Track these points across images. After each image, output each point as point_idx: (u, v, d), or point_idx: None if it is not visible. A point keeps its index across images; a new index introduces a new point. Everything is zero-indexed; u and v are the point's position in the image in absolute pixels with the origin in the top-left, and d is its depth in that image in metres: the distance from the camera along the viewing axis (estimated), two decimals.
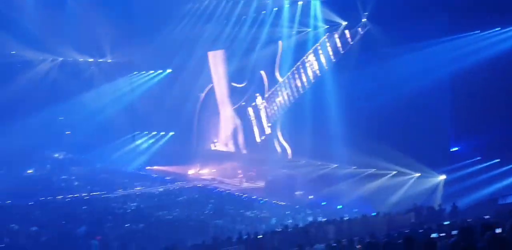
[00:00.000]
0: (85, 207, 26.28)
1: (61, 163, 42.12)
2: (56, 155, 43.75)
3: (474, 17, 22.64)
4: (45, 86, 42.07)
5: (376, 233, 11.89)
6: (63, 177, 37.45)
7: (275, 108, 35.67)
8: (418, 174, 25.47)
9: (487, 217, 12.11)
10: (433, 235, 8.50)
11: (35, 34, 37.14)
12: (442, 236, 8.04)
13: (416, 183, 25.09)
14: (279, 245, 15.38)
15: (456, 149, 24.76)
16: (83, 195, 29.99)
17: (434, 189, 23.99)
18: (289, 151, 34.41)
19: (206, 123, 41.85)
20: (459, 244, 5.71)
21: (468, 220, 11.37)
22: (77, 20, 38.24)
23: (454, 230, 9.49)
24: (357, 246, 10.01)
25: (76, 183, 34.60)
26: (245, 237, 16.08)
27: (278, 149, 35.10)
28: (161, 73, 43.80)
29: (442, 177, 24.26)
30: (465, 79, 22.86)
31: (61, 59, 43.72)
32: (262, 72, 36.42)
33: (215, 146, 41.31)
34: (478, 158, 23.01)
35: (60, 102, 41.06)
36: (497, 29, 22.67)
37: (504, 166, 21.83)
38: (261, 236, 16.05)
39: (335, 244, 10.55)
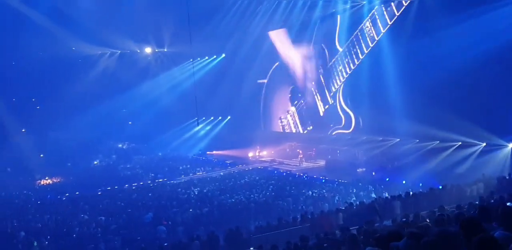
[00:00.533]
0: (151, 194, 27.00)
1: (125, 153, 43.50)
2: (120, 145, 45.19)
3: None
4: (105, 79, 43.37)
5: (444, 206, 11.38)
6: (128, 166, 38.61)
7: (337, 78, 35.08)
8: (483, 144, 24.36)
9: None
10: (508, 204, 7.96)
11: (93, 28, 38.08)
12: None
13: (483, 153, 24.01)
14: (345, 223, 15.12)
15: None
16: (148, 182, 30.71)
17: (502, 158, 22.87)
18: (353, 118, 33.74)
19: (273, 104, 41.81)
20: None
21: None
22: (131, 12, 38.76)
23: None
24: (427, 220, 9.53)
25: (140, 171, 35.52)
26: (309, 216, 15.94)
27: (342, 117, 34.64)
28: (215, 59, 43.92)
29: (510, 145, 23.09)
30: None
31: (119, 52, 44.80)
32: (323, 45, 35.86)
33: (281, 124, 41.28)
34: None
35: (120, 94, 42.25)
36: None
37: None
38: (325, 214, 15.84)
39: (404, 219, 10.04)
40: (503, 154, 23.00)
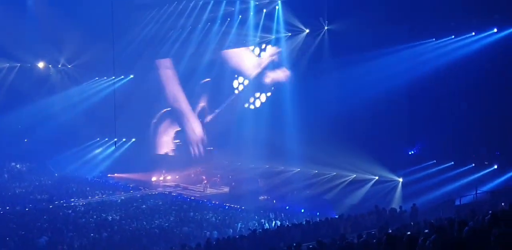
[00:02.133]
0: (45, 216, 25.73)
1: (18, 172, 41.05)
2: (13, 164, 42.52)
3: (430, 25, 23.80)
4: (2, 92, 41.10)
5: (343, 234, 12.28)
6: (21, 186, 36.46)
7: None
8: (376, 177, 26.30)
9: (448, 216, 12.68)
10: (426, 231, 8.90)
11: None
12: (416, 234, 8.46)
13: (375, 186, 25.91)
14: (250, 249, 15.60)
15: (412, 152, 25.80)
16: (42, 204, 29.23)
17: (393, 191, 24.81)
18: None
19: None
20: (439, 240, 6.19)
21: (432, 220, 11.91)
22: (37, 25, 37.53)
23: (420, 229, 10.02)
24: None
25: (35, 193, 33.64)
26: (214, 242, 16.22)
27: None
28: (122, 79, 43.36)
29: (400, 179, 25.13)
30: (422, 86, 23.99)
31: (18, 65, 42.77)
32: None
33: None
34: (433, 161, 24.05)
35: (17, 109, 40.17)
36: (451, 37, 23.78)
37: (458, 168, 22.90)
38: (230, 240, 16.22)
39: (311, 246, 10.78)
40: (393, 187, 24.93)
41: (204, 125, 39.15)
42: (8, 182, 38.22)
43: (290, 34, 32.04)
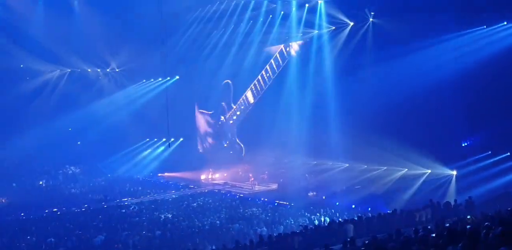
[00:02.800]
0: (100, 216, 26.50)
1: (72, 174, 42.39)
2: (67, 166, 43.94)
3: (479, 12, 22.94)
4: (54, 97, 42.55)
5: (399, 229, 12.00)
6: (75, 187, 37.67)
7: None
8: (429, 171, 25.62)
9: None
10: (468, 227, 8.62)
11: (43, 46, 37.54)
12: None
13: (428, 179, 25.23)
14: (300, 246, 15.51)
15: (466, 144, 24.99)
16: (97, 204, 30.11)
17: (447, 184, 24.11)
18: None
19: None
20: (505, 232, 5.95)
21: (490, 213, 11.49)
22: (84, 31, 38.56)
23: (479, 222, 9.68)
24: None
25: (89, 193, 34.70)
26: (266, 239, 16.23)
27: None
28: (168, 80, 44.04)
29: (454, 172, 24.40)
30: (474, 75, 23.07)
31: (69, 70, 44.14)
32: None
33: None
34: (489, 152, 23.22)
35: (69, 113, 41.47)
36: (503, 23, 22.86)
37: None
38: (282, 237, 16.18)
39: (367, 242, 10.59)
40: (447, 180, 24.23)
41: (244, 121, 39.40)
42: (63, 184, 39.61)
43: (334, 27, 31.62)
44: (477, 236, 6.82)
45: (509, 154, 22.46)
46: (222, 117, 41.10)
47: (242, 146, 39.69)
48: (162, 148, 43.04)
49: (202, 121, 43.93)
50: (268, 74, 37.17)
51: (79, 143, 44.99)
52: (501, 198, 18.75)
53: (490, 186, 20.92)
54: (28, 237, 22.40)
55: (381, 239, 11.48)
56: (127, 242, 20.97)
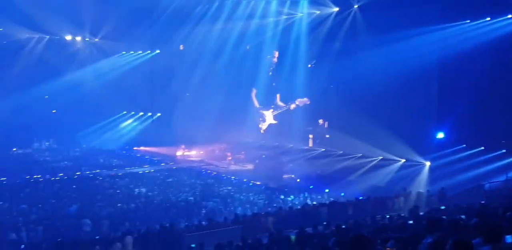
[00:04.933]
0: (75, 186, 26.34)
1: (47, 142, 41.82)
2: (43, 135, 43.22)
3: (464, 6, 23.17)
4: (31, 64, 41.57)
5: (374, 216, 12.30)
6: (50, 156, 37.26)
7: None
8: (403, 160, 26.11)
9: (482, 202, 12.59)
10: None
11: (22, 9, 36.42)
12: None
13: (402, 169, 25.73)
14: (273, 227, 15.76)
15: (441, 136, 25.49)
16: (71, 174, 29.89)
17: (420, 174, 24.63)
18: None
19: None
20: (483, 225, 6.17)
21: (464, 205, 11.84)
22: None
23: (452, 213, 9.99)
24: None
25: (63, 163, 34.36)
26: (240, 218, 16.44)
27: None
28: (149, 53, 43.38)
29: (428, 163, 24.91)
30: (452, 68, 23.48)
31: (48, 37, 43.06)
32: None
33: None
34: (463, 145, 23.74)
35: (46, 81, 40.64)
36: (487, 19, 23.16)
37: (488, 153, 22.58)
38: (256, 216, 16.41)
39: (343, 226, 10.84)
40: (420, 170, 24.74)
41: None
42: (37, 152, 39.13)
43: (318, 12, 31.55)
44: (456, 226, 7.05)
45: (483, 148, 22.98)
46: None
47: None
48: (136, 122, 42.81)
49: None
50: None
51: (54, 111, 44.16)
52: (473, 191, 19.26)
53: (462, 178, 21.41)
54: (1, 203, 22.16)
55: (355, 224, 11.75)
56: (100, 213, 20.94)
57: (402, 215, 12.59)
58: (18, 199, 23.04)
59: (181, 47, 41.43)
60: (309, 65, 32.72)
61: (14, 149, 39.00)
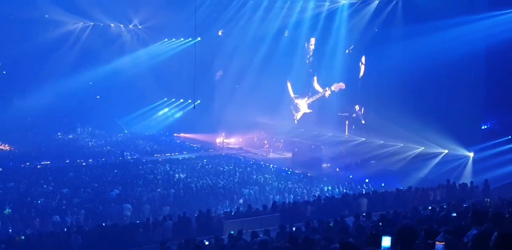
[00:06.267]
0: (116, 171, 26.93)
1: (90, 127, 42.81)
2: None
3: None
4: (75, 50, 42.59)
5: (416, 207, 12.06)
6: (93, 141, 38.15)
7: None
8: (446, 151, 25.46)
9: None
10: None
11: None
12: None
13: (445, 160, 25.07)
14: (313, 215, 15.68)
15: (486, 126, 24.72)
16: (113, 159, 30.57)
17: (463, 166, 23.99)
18: None
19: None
20: None
21: (508, 199, 11.46)
22: None
23: (498, 206, 9.67)
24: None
25: (106, 148, 35.14)
26: (279, 206, 16.43)
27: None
28: (190, 41, 43.58)
29: (471, 154, 24.22)
30: (500, 57, 22.64)
31: (92, 23, 43.91)
32: None
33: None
34: (508, 137, 22.97)
35: (91, 67, 41.58)
36: None
37: None
38: (295, 205, 16.38)
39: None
40: (463, 162, 24.09)
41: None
42: (81, 137, 40.16)
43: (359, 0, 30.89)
44: (501, 219, 6.79)
45: None
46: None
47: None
48: (177, 109, 43.27)
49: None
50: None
51: (98, 97, 45.20)
52: None
53: (507, 171, 20.74)
54: (45, 186, 22.88)
55: (396, 215, 11.55)
56: (141, 198, 21.36)
57: (445, 206, 12.30)
58: (62, 183, 23.79)
59: (220, 32, 41.25)
60: (347, 51, 32.19)
61: (59, 134, 40.10)
